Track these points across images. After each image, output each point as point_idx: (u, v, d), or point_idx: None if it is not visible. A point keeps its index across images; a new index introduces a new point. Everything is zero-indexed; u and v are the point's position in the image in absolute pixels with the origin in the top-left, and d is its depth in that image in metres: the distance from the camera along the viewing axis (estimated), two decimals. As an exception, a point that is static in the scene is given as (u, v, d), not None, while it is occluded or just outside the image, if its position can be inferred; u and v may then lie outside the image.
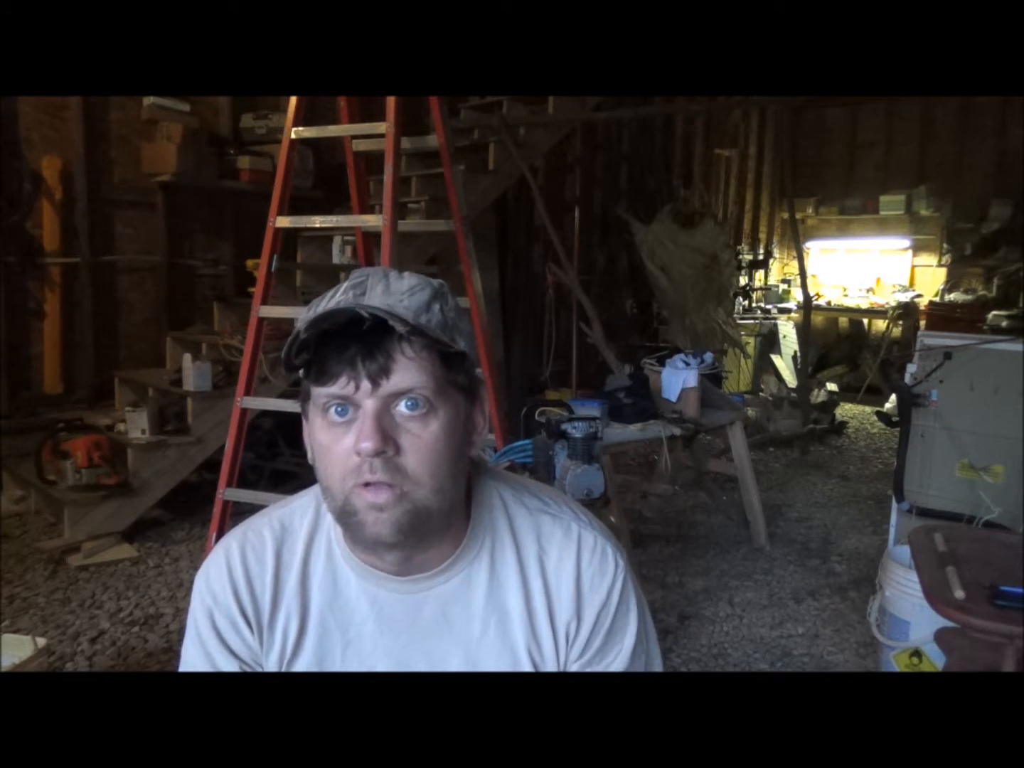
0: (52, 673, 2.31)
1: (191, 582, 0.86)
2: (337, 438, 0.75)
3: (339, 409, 0.74)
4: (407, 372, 0.73)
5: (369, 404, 0.73)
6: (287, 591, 0.83)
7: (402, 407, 0.74)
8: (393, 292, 0.74)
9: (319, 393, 0.75)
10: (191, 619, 0.85)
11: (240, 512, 2.93)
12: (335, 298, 0.75)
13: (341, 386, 0.73)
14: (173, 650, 2.54)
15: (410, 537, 0.76)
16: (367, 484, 0.73)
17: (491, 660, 0.82)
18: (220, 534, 2.57)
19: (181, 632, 0.87)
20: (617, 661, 0.85)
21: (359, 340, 0.72)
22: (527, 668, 0.83)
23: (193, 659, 0.84)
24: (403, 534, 0.75)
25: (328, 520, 0.85)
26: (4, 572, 3.05)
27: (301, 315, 0.77)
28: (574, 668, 0.84)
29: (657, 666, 0.90)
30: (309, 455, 0.81)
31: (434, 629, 0.82)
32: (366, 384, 0.73)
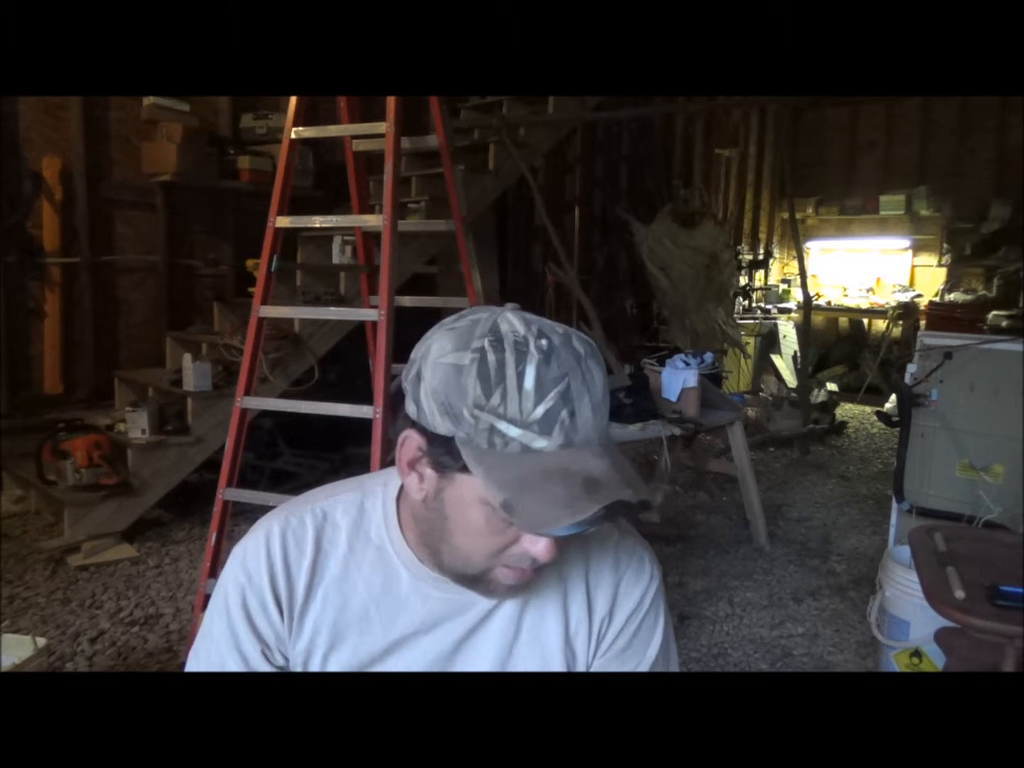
0: (52, 673, 2.31)
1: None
2: (500, 530, 0.73)
3: None
4: None
5: None
6: (325, 583, 0.83)
7: None
8: (595, 407, 0.70)
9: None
10: (220, 593, 0.85)
11: (240, 512, 2.93)
12: (542, 403, 0.67)
13: None
14: (173, 650, 2.54)
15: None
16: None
17: (524, 663, 0.84)
18: (220, 534, 2.56)
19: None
20: (639, 670, 0.87)
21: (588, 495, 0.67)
22: (558, 667, 0.84)
23: (217, 633, 0.84)
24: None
25: (375, 519, 0.84)
26: (4, 572, 3.05)
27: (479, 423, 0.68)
28: (596, 664, 0.86)
29: None
30: (423, 496, 0.77)
31: (473, 628, 0.83)
32: None
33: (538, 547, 0.72)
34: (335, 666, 0.83)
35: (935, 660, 2.11)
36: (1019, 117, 6.69)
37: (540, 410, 0.67)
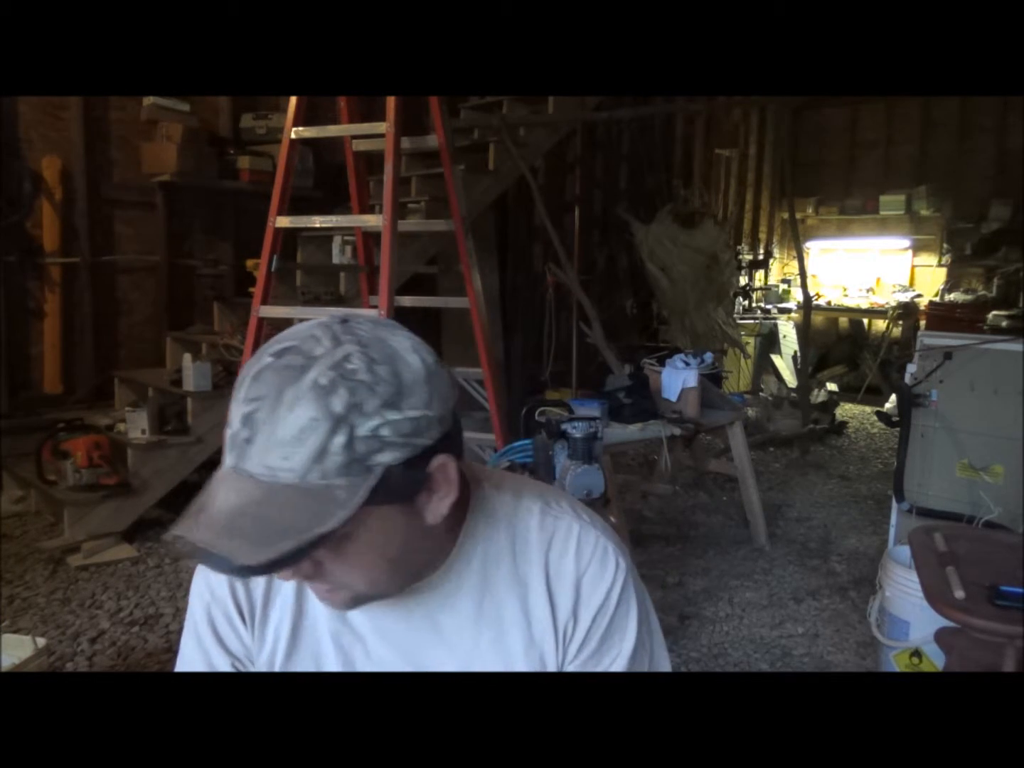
0: (52, 673, 2.31)
1: (191, 582, 0.86)
2: None
3: None
4: None
5: None
6: (283, 591, 0.82)
7: None
8: (276, 443, 0.63)
9: None
10: (189, 614, 0.85)
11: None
12: (236, 420, 0.65)
13: None
14: (173, 650, 2.54)
15: (368, 603, 0.76)
16: None
17: (485, 668, 0.81)
18: (220, 534, 2.56)
19: (181, 632, 0.87)
20: (615, 665, 0.83)
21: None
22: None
23: (189, 653, 0.85)
24: (355, 606, 0.76)
25: None
26: (4, 572, 3.05)
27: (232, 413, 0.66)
28: (569, 669, 0.83)
29: (664, 668, 0.88)
30: None
31: (425, 637, 0.81)
32: None
33: None
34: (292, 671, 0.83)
35: (935, 660, 2.11)
36: (1019, 117, 6.69)
37: (234, 426, 0.65)
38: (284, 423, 0.63)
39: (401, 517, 0.70)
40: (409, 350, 0.68)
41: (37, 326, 4.03)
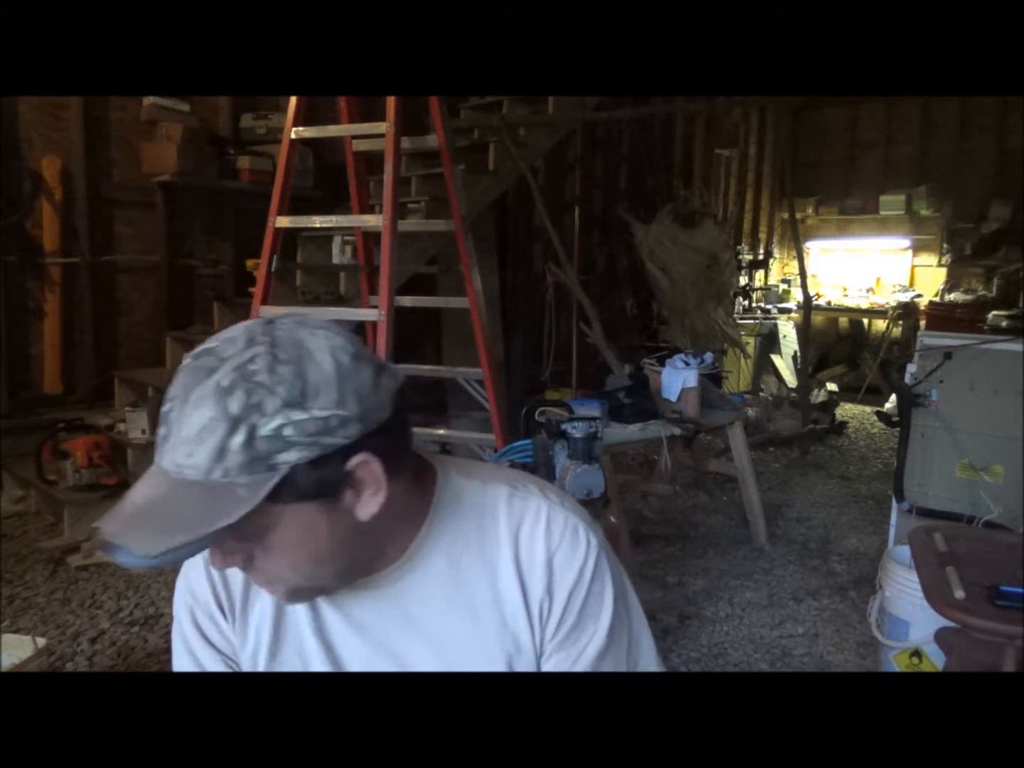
0: (52, 673, 2.31)
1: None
2: None
3: None
4: None
5: None
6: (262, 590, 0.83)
7: None
8: (182, 441, 0.65)
9: None
10: (175, 622, 0.87)
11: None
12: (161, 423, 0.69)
13: None
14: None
15: (314, 597, 0.79)
16: None
17: (461, 655, 0.81)
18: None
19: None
20: (594, 641, 0.83)
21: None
22: (500, 659, 0.82)
23: (179, 656, 0.86)
24: (298, 599, 0.78)
25: None
26: (4, 572, 3.05)
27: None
28: (549, 648, 0.83)
29: (646, 644, 0.88)
30: None
31: (398, 625, 0.81)
32: None
33: None
34: (279, 669, 0.83)
35: (935, 660, 2.11)
36: (1019, 117, 6.69)
37: (160, 431, 0.68)
38: (188, 422, 0.65)
39: (323, 515, 0.70)
40: (324, 350, 0.68)
41: (37, 326, 4.03)
